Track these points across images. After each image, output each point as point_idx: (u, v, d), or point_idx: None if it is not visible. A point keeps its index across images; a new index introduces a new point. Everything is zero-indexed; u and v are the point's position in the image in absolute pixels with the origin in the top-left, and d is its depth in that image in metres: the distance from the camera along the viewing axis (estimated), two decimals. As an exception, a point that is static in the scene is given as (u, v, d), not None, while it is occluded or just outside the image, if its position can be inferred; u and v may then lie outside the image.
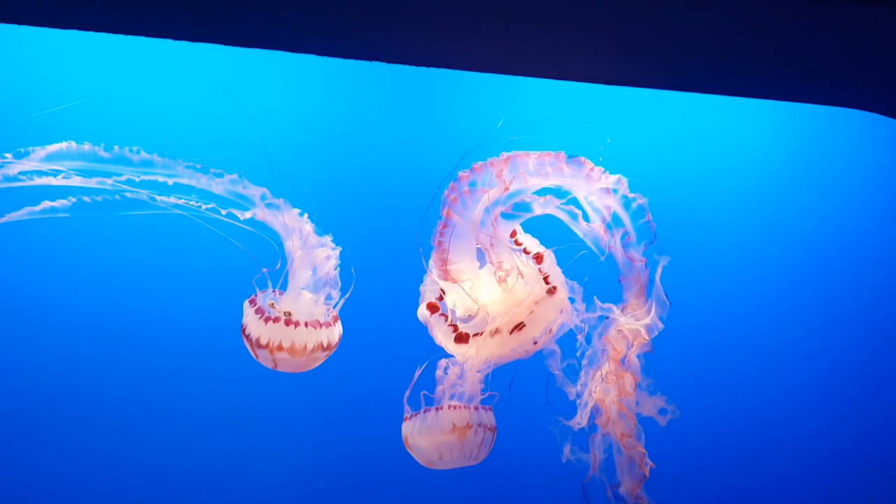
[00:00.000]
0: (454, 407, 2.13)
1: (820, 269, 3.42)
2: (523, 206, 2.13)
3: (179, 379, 3.06)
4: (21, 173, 2.07)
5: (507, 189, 2.06)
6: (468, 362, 2.12)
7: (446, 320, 2.12)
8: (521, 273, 2.08)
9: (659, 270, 2.13)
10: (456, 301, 2.12)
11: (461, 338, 2.09)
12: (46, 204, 2.13)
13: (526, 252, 2.16)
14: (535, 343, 2.10)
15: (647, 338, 2.05)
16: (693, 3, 2.13)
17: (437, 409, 2.13)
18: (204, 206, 2.17)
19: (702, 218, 3.29)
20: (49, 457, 2.99)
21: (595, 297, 2.12)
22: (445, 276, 2.06)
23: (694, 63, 2.54)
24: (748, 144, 3.37)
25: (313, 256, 2.23)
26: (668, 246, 2.16)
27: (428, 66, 2.52)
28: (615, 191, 2.12)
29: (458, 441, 2.09)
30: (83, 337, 2.99)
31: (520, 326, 2.06)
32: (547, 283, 2.09)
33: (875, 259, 3.40)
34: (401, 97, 3.18)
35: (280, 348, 2.11)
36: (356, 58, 2.50)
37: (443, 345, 2.13)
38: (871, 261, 3.40)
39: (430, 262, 2.12)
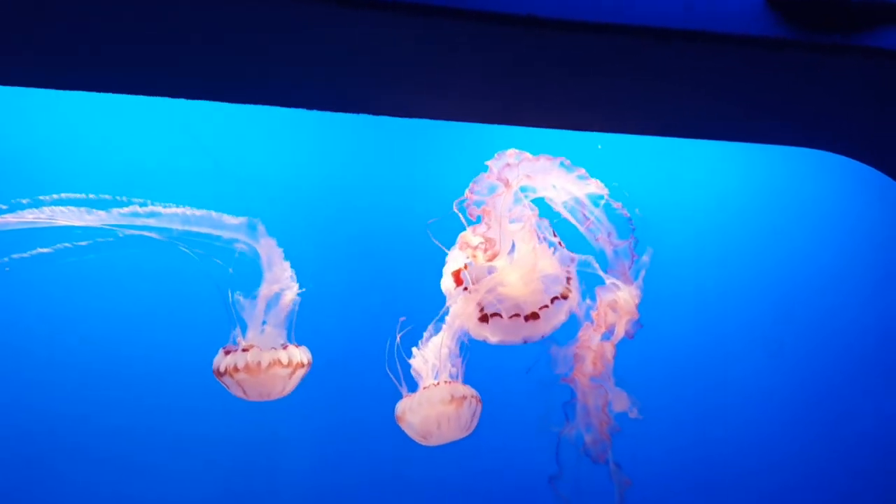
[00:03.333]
0: (448, 382, 2.33)
1: (785, 303, 3.56)
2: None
3: (172, 415, 3.08)
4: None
5: (513, 187, 2.30)
6: (450, 338, 2.33)
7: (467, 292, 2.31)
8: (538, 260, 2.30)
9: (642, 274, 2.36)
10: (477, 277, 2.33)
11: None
12: (40, 250, 2.29)
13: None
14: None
15: (635, 308, 2.24)
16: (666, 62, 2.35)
17: (433, 384, 2.32)
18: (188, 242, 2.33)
19: (665, 257, 3.44)
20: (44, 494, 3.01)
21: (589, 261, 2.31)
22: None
23: (667, 111, 2.76)
24: (709, 185, 3.50)
25: (287, 298, 2.39)
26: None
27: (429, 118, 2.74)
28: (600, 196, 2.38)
29: (455, 411, 2.28)
30: (77, 373, 3.01)
31: (533, 315, 2.26)
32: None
33: (841, 296, 3.56)
34: (385, 146, 3.29)
35: (236, 370, 2.27)
36: (345, 111, 2.69)
37: (457, 316, 2.32)
38: (836, 298, 3.56)
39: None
